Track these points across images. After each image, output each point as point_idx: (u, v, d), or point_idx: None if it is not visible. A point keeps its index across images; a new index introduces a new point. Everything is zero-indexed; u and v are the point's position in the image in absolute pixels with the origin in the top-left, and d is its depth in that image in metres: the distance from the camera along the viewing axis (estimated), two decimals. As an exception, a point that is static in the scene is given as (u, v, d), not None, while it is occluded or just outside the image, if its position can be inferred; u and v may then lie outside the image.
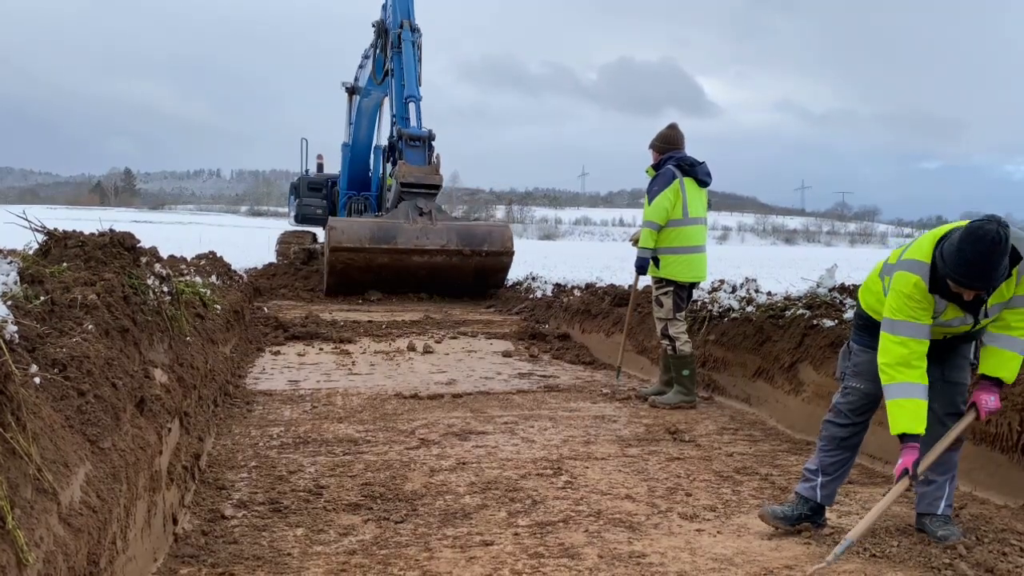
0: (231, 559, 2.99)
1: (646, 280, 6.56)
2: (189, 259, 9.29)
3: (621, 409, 5.89)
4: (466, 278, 13.54)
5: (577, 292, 10.53)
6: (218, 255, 11.37)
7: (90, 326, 2.85)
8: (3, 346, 1.92)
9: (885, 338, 3.10)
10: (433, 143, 13.98)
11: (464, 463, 4.33)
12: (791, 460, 4.55)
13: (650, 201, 6.06)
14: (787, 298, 6.26)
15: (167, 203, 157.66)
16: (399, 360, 7.88)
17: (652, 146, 6.25)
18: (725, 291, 7.14)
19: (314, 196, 19.60)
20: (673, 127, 6.27)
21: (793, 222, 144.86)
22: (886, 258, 3.37)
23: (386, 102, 16.65)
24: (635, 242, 6.28)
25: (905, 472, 3.01)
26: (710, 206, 6.36)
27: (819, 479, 3.40)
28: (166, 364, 3.73)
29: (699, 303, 6.99)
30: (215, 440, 4.63)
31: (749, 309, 6.39)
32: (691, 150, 6.20)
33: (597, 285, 10.70)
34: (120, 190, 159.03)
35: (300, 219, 19.81)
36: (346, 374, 7.07)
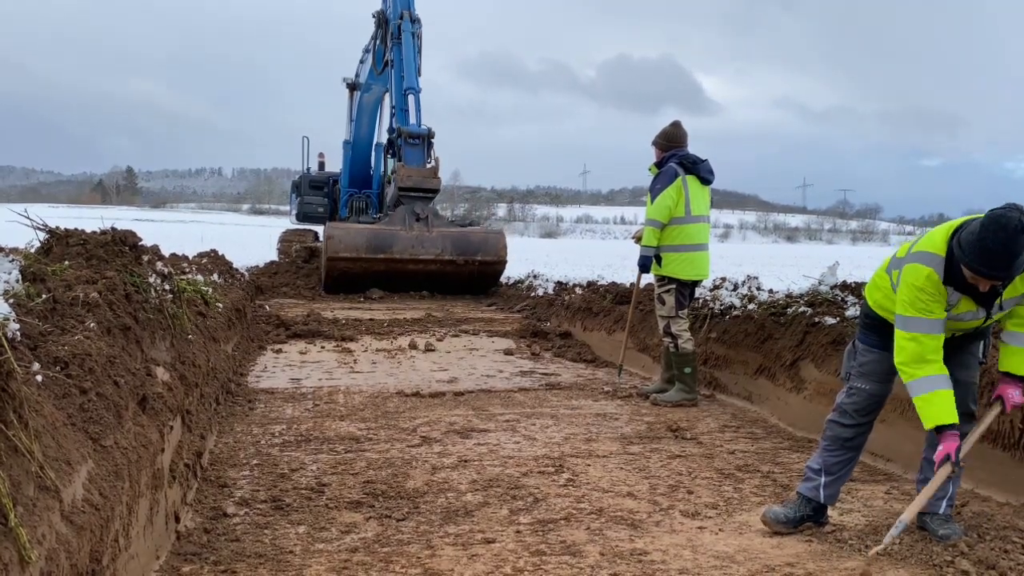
0: (233, 557, 3.00)
1: (648, 278, 6.56)
2: (191, 257, 9.30)
3: (623, 407, 5.89)
4: (460, 281, 13.87)
5: (579, 290, 10.53)
6: (220, 253, 11.38)
7: (92, 324, 2.85)
8: (5, 344, 1.92)
9: (899, 336, 3.09)
10: (432, 141, 14.02)
11: (466, 461, 4.34)
12: (793, 458, 4.55)
13: (653, 199, 6.05)
14: (789, 296, 6.25)
15: (169, 201, 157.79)
16: (401, 358, 7.88)
17: (655, 143, 6.25)
18: (727, 289, 7.14)
19: (316, 194, 19.65)
20: (676, 125, 6.27)
21: (795, 220, 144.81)
22: (893, 253, 3.36)
23: (387, 98, 16.67)
24: (637, 240, 6.28)
25: (947, 458, 3.03)
26: (712, 204, 6.36)
27: (822, 479, 3.38)
28: (168, 362, 3.73)
29: (701, 301, 6.98)
30: (217, 438, 4.63)
31: (751, 307, 6.38)
32: (692, 148, 6.20)
33: (599, 283, 10.69)
34: (122, 188, 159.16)
35: (302, 217, 19.83)
36: (348, 372, 7.07)
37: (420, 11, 15.10)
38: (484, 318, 11.31)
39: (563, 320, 9.88)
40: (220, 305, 6.46)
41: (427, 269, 13.42)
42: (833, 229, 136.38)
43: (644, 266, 6.19)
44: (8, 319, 2.14)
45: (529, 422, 5.29)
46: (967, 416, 3.26)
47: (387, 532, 3.28)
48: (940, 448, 3.04)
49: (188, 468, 3.54)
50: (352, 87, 18.80)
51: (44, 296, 2.83)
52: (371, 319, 10.61)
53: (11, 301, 2.49)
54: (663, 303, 6.12)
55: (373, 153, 18.47)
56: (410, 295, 13.87)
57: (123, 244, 3.95)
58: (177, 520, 3.19)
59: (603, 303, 8.92)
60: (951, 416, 3.02)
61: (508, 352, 8.34)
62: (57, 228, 4.00)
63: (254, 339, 8.43)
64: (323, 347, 8.46)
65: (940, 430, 3.04)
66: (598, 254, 38.99)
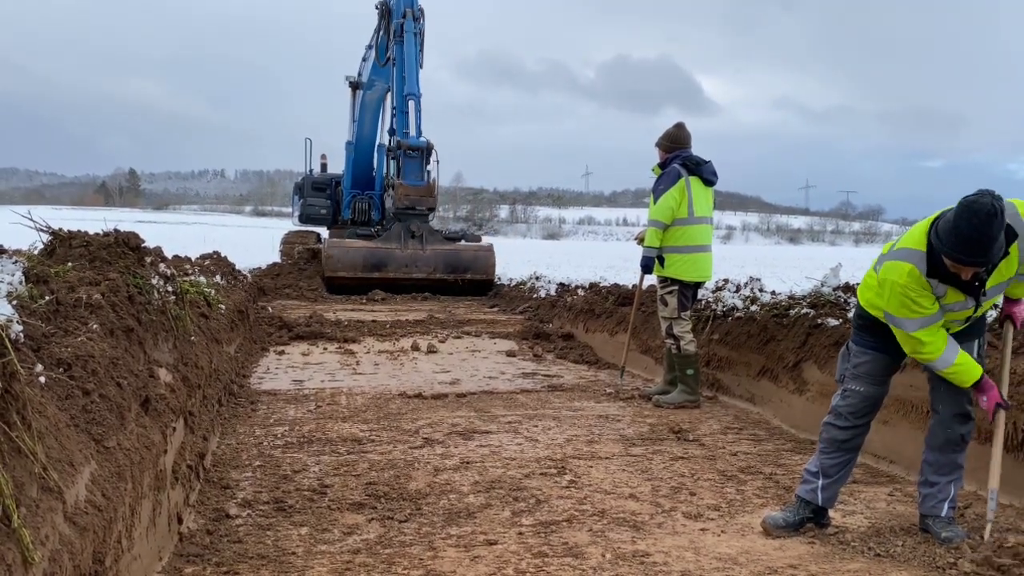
0: (236, 558, 3.00)
1: (650, 279, 6.56)
2: (193, 259, 9.31)
3: (625, 408, 5.88)
4: (452, 292, 14.89)
5: (581, 292, 10.52)
6: (222, 255, 11.40)
7: (95, 326, 2.86)
8: (8, 345, 1.92)
9: (899, 334, 3.14)
10: (432, 151, 14.45)
11: (468, 462, 4.34)
12: (795, 459, 4.54)
13: (656, 200, 6.05)
14: (791, 297, 6.25)
15: (171, 203, 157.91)
16: (403, 360, 7.89)
17: (658, 145, 6.25)
18: (729, 290, 7.13)
19: (318, 196, 19.67)
20: (680, 126, 6.27)
21: (797, 221, 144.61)
22: (880, 251, 3.37)
23: (388, 97, 16.71)
24: (640, 241, 6.28)
25: (999, 405, 3.10)
26: (715, 205, 6.35)
27: (820, 481, 3.37)
28: (171, 364, 3.73)
29: (703, 302, 6.98)
30: (220, 439, 4.64)
31: (753, 308, 6.38)
32: (694, 149, 6.20)
33: (601, 284, 10.69)
34: (124, 190, 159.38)
35: (304, 219, 19.84)
36: (350, 374, 7.08)
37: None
38: (486, 319, 11.31)
39: (565, 322, 9.88)
40: (223, 307, 6.47)
41: (420, 284, 14.55)
42: (836, 231, 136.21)
43: (647, 267, 6.19)
44: (11, 321, 2.14)
45: (531, 424, 5.29)
46: (963, 416, 3.26)
47: (389, 533, 3.29)
48: (985, 399, 3.10)
49: (191, 469, 3.55)
50: (355, 86, 18.82)
51: (47, 298, 2.84)
52: (373, 320, 10.62)
53: (14, 303, 2.50)
54: (666, 304, 6.12)
55: (376, 154, 18.48)
56: (412, 297, 13.99)
57: (126, 246, 3.96)
58: (180, 521, 3.20)
59: (605, 304, 8.92)
60: (977, 369, 3.11)
61: (510, 354, 8.34)
62: (60, 230, 4.01)
63: (257, 341, 8.44)
64: (325, 348, 8.47)
65: (975, 386, 3.11)
66: (600, 255, 38.99)
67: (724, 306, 6.77)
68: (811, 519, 3.39)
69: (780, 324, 5.87)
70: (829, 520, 3.43)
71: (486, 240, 16.19)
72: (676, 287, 6.07)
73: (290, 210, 23.78)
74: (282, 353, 8.08)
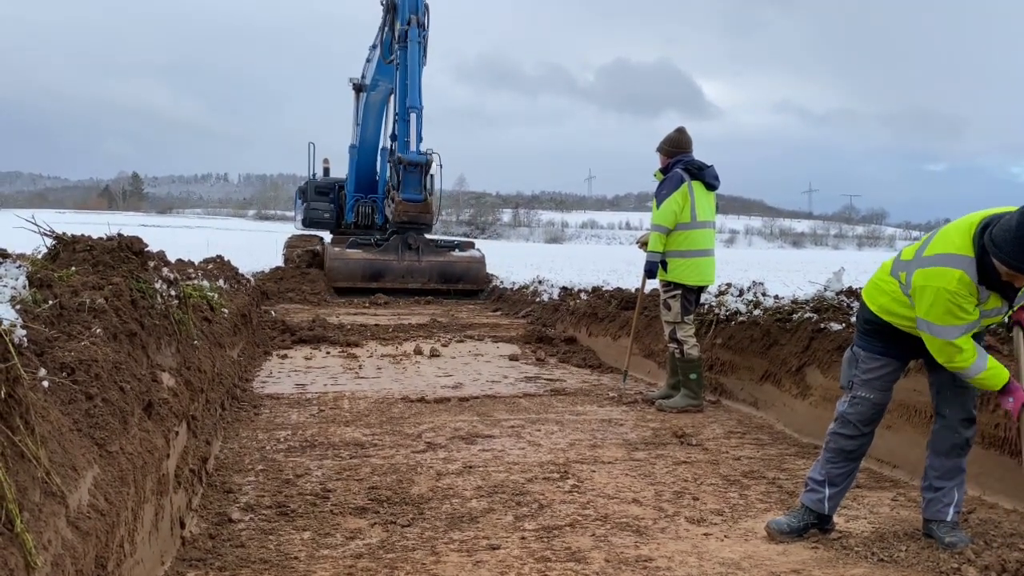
0: (238, 563, 3.00)
1: (652, 283, 6.55)
2: (197, 263, 9.30)
3: (628, 413, 5.88)
4: (446, 298, 15.76)
5: (584, 295, 10.52)
6: (225, 259, 11.40)
7: (98, 330, 2.86)
8: (12, 350, 1.93)
9: (931, 341, 3.05)
10: (431, 164, 15.09)
11: (470, 467, 4.33)
12: (798, 464, 4.53)
13: (658, 205, 6.05)
14: (794, 301, 6.24)
15: (175, 207, 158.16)
16: (406, 364, 7.89)
17: (660, 149, 6.25)
18: (732, 294, 7.13)
19: (321, 200, 19.69)
20: (681, 131, 6.27)
21: (800, 225, 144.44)
22: (895, 256, 3.32)
23: (391, 100, 16.73)
24: (642, 245, 6.27)
25: None
26: (718, 209, 6.35)
27: (827, 491, 3.34)
28: (174, 368, 3.74)
29: (706, 306, 6.97)
30: (222, 444, 4.64)
31: (756, 312, 6.37)
32: (695, 153, 6.20)
33: (604, 288, 10.69)
34: (128, 194, 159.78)
35: (307, 223, 19.85)
36: (353, 378, 7.08)
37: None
38: (489, 323, 11.31)
39: (568, 326, 9.88)
40: (226, 311, 6.47)
41: (415, 293, 15.49)
42: (839, 234, 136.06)
43: (650, 271, 6.18)
44: (15, 325, 2.14)
45: (534, 428, 5.28)
46: (968, 421, 3.25)
47: (392, 538, 3.28)
48: (1012, 399, 3.05)
49: (193, 474, 3.55)
50: (358, 88, 18.83)
51: (51, 302, 2.84)
52: (376, 325, 10.63)
53: (18, 307, 2.50)
54: (669, 309, 6.11)
55: (379, 157, 18.50)
56: (415, 301, 14.04)
57: (129, 250, 3.97)
58: (182, 526, 3.20)
59: (608, 308, 8.91)
60: (1005, 373, 3.05)
61: (513, 358, 8.33)
62: (64, 234, 4.02)
63: (260, 344, 8.44)
64: (328, 352, 8.47)
65: (1004, 386, 3.05)
66: (603, 259, 38.99)
67: (727, 310, 6.76)
68: (815, 524, 3.37)
69: (783, 328, 5.86)
70: (833, 525, 3.42)
71: (488, 244, 16.50)
72: (679, 291, 6.06)
73: (293, 214, 23.83)
74: (285, 357, 8.09)
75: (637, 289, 7.56)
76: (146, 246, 4.22)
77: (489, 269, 16.70)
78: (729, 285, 7.55)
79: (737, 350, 6.32)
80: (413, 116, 14.47)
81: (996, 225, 2.82)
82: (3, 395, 1.81)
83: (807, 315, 5.73)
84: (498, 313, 12.83)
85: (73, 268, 3.60)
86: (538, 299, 12.56)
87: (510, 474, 4.21)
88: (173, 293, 4.27)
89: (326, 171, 20.72)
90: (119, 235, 4.10)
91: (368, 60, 18.19)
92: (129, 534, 2.41)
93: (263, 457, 4.43)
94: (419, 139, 14.58)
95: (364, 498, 3.75)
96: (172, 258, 6.10)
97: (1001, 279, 2.88)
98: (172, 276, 4.40)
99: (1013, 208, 2.82)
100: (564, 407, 6.01)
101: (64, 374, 2.42)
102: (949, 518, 3.26)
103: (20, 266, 3.08)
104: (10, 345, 1.95)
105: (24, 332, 2.23)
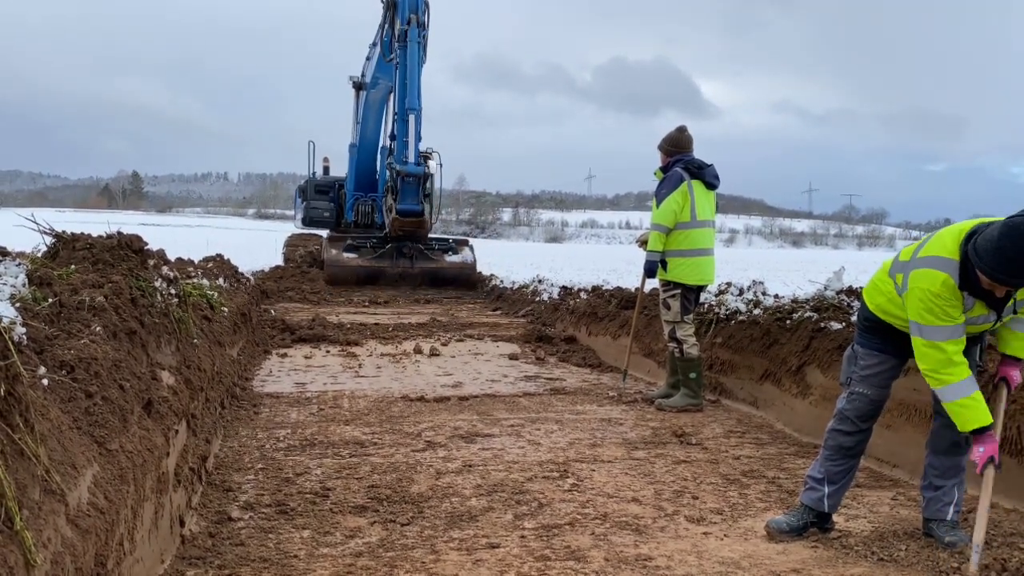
0: (238, 561, 3.00)
1: (652, 283, 6.55)
2: (196, 262, 9.30)
3: (628, 412, 5.88)
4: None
5: (583, 295, 10.52)
6: (225, 258, 11.40)
7: (98, 328, 2.86)
8: (11, 347, 1.93)
9: (919, 344, 3.03)
10: (428, 177, 15.46)
11: (470, 466, 4.33)
12: (798, 463, 4.54)
13: (658, 204, 6.05)
14: (794, 301, 6.24)
15: (174, 206, 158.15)
16: (405, 363, 7.88)
17: (660, 148, 6.25)
18: (732, 294, 7.13)
19: (321, 199, 19.70)
20: (682, 130, 6.27)
21: (800, 225, 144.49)
22: (895, 256, 3.32)
23: (391, 99, 16.73)
24: (642, 244, 6.27)
25: (991, 460, 2.96)
26: (718, 209, 6.35)
27: (826, 489, 3.35)
28: (173, 366, 3.74)
29: (706, 306, 6.97)
30: (222, 442, 4.64)
31: (756, 312, 6.37)
32: (695, 152, 6.20)
33: (604, 288, 10.68)
34: (128, 193, 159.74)
35: (307, 222, 19.85)
36: (353, 376, 7.08)
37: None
38: (489, 323, 11.31)
39: (568, 325, 9.88)
40: (225, 309, 6.47)
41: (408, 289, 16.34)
42: (839, 234, 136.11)
43: (650, 271, 6.18)
44: (15, 323, 2.14)
45: (534, 427, 5.28)
46: None
47: (391, 537, 3.28)
48: (982, 450, 2.97)
49: (193, 472, 3.55)
50: (358, 86, 18.82)
51: (50, 300, 2.84)
52: (376, 323, 10.62)
53: (18, 305, 2.50)
54: (668, 308, 6.11)
55: (379, 156, 18.49)
56: (415, 300, 14.03)
57: (129, 248, 3.97)
58: (182, 524, 3.20)
59: (608, 308, 8.91)
60: (987, 417, 2.98)
61: (513, 357, 8.33)
62: (63, 232, 4.02)
63: (259, 343, 8.43)
64: (328, 351, 8.47)
65: (977, 432, 2.99)
66: (603, 259, 39.00)
67: (727, 309, 6.76)
68: (815, 523, 3.38)
69: (783, 328, 5.86)
70: (832, 524, 3.42)
71: (488, 243, 16.57)
72: (679, 291, 6.06)
73: (293, 213, 23.83)
74: (284, 356, 8.09)
75: (637, 288, 7.57)
76: (146, 244, 4.22)
77: (489, 269, 16.95)
78: (729, 284, 7.55)
79: (737, 349, 6.32)
80: (412, 117, 14.48)
81: (981, 235, 2.84)
82: (3, 393, 1.81)
83: (807, 314, 5.73)
84: (498, 312, 12.83)
85: (73, 266, 3.60)
86: (538, 298, 12.55)
87: (510, 473, 4.21)
88: (173, 292, 4.27)
89: (326, 170, 20.72)
90: (119, 233, 4.10)
91: (368, 58, 18.18)
92: (129, 532, 2.41)
93: (263, 456, 4.43)
94: (418, 139, 14.57)
95: (364, 497, 3.75)
96: (172, 257, 6.10)
97: (982, 287, 2.89)
98: (172, 275, 4.40)
99: (1009, 215, 2.83)
100: (564, 406, 6.01)
101: (64, 372, 2.42)
102: (949, 517, 3.26)
103: (20, 264, 3.08)
104: (10, 343, 1.95)
105: (24, 330, 2.23)
